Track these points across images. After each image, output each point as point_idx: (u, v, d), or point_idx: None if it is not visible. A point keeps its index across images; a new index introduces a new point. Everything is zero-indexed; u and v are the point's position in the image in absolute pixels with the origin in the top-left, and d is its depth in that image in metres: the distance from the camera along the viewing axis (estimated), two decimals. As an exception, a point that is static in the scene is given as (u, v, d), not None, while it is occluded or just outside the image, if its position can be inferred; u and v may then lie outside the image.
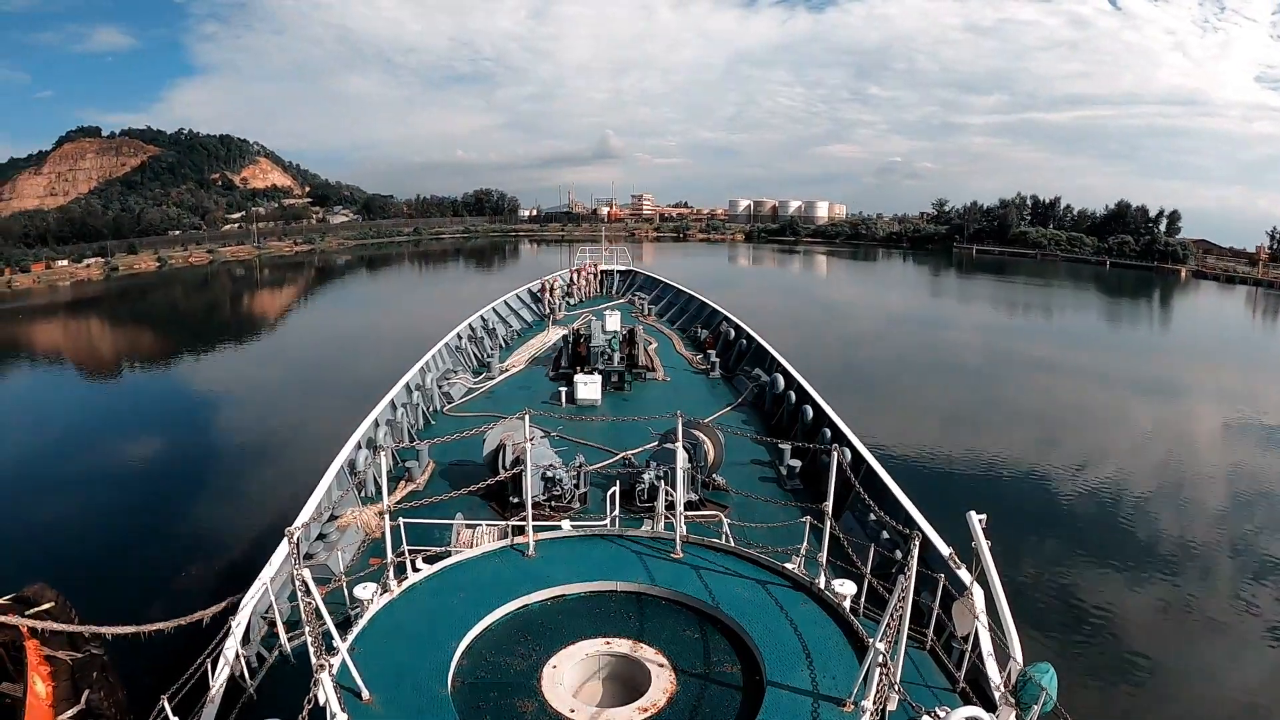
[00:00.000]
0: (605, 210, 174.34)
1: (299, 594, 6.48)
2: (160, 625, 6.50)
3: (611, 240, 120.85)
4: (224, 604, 8.02)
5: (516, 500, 12.78)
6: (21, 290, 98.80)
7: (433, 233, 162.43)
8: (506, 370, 23.63)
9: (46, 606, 5.98)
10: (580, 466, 13.75)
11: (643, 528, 10.53)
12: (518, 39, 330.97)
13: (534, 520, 9.67)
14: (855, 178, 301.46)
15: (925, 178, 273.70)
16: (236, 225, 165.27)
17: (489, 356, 25.55)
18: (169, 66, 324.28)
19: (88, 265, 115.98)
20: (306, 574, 6.53)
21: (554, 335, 27.51)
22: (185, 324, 65.26)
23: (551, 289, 35.35)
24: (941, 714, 5.60)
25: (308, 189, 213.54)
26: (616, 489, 12.54)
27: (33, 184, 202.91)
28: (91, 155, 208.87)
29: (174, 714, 6.26)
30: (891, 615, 6.02)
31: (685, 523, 9.92)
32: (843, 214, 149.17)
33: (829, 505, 9.59)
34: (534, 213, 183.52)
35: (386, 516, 9.24)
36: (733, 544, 9.98)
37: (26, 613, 5.88)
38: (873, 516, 12.30)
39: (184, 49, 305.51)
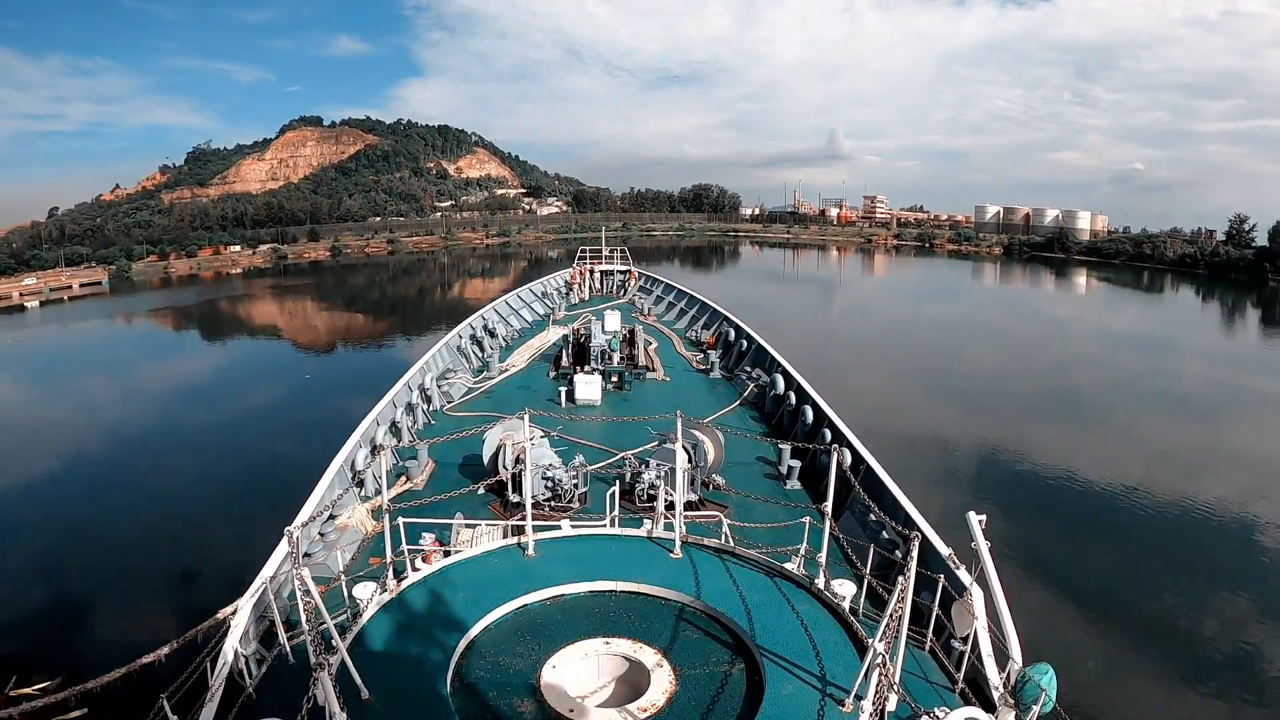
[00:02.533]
0: (834, 212, 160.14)
1: (299, 594, 6.48)
2: (144, 659, 6.42)
3: (842, 249, 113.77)
4: (224, 603, 8.02)
5: (516, 500, 12.77)
6: (183, 275, 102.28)
7: (644, 228, 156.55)
8: (507, 370, 23.62)
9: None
10: (580, 466, 13.74)
11: (643, 528, 10.53)
12: (726, 42, 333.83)
13: (534, 520, 9.67)
14: (1088, 187, 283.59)
15: (1167, 188, 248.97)
16: (442, 215, 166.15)
17: (489, 356, 25.54)
18: (398, 69, 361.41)
19: (253, 253, 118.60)
20: (306, 573, 6.53)
21: (554, 335, 27.50)
22: (261, 317, 65.36)
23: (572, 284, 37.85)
24: (941, 714, 5.61)
25: (522, 180, 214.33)
26: (616, 489, 12.53)
27: (255, 169, 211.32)
28: (312, 143, 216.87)
29: (174, 714, 6.25)
30: (891, 615, 6.02)
31: (685, 523, 9.91)
32: (1104, 227, 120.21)
33: (829, 505, 9.58)
34: (756, 211, 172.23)
35: (386, 516, 9.23)
36: (733, 544, 9.98)
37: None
38: (872, 517, 12.29)
39: (412, 54, 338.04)
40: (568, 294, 37.79)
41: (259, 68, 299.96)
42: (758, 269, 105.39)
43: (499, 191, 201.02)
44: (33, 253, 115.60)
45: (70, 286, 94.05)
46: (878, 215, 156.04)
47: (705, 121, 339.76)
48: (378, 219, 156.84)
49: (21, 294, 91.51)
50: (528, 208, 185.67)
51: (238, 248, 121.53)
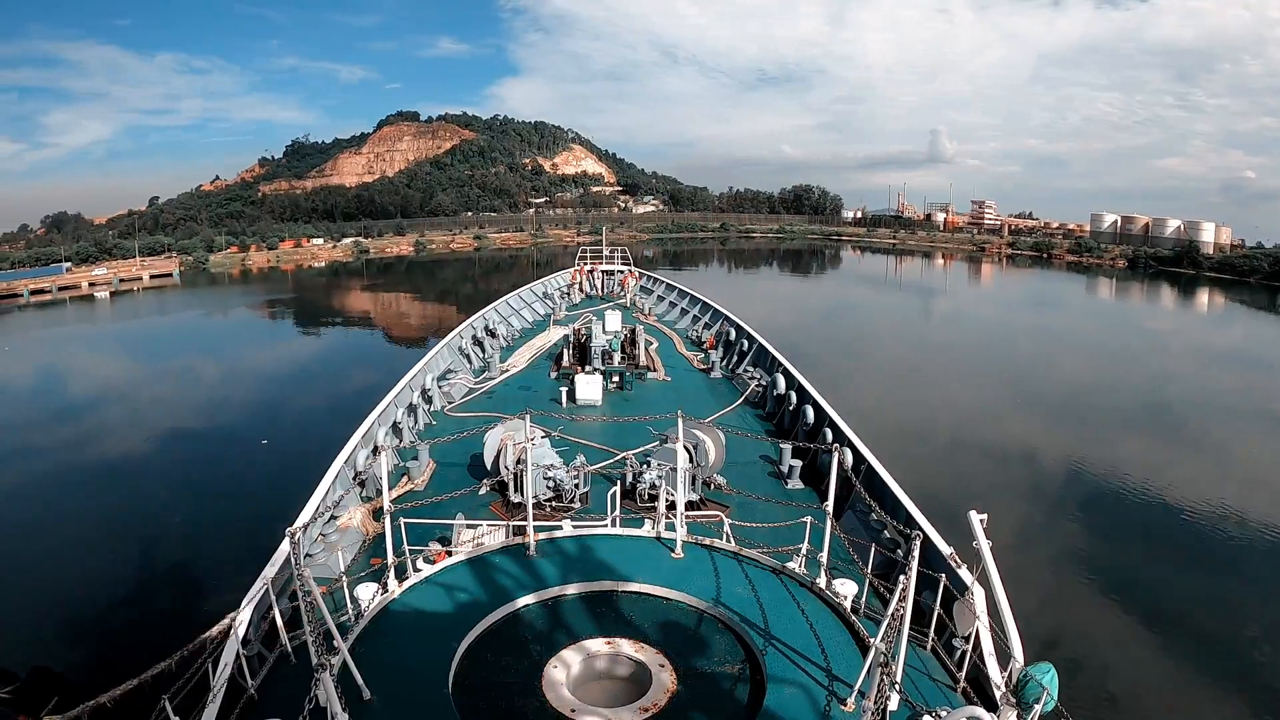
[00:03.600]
0: (941, 217, 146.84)
1: (299, 594, 6.48)
2: (146, 660, 6.43)
3: (948, 257, 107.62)
4: (225, 604, 8.03)
5: (518, 500, 12.78)
6: (261, 267, 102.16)
7: (743, 229, 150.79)
8: (508, 370, 23.62)
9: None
10: (581, 466, 13.73)
11: (643, 528, 10.53)
12: (818, 44, 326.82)
13: (535, 520, 9.67)
14: (1194, 194, 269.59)
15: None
16: (535, 211, 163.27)
17: (490, 357, 25.55)
18: (495, 68, 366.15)
19: (334, 246, 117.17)
20: (307, 574, 6.53)
21: (555, 335, 27.51)
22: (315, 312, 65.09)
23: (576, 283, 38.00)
24: (943, 713, 5.60)
25: (618, 177, 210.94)
26: (617, 489, 12.52)
27: (352, 162, 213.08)
28: (408, 137, 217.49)
29: (176, 715, 6.26)
30: (893, 615, 6.02)
31: (686, 523, 9.91)
32: (1229, 240, 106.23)
33: (830, 505, 9.58)
34: (858, 215, 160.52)
35: (387, 516, 9.24)
36: (733, 544, 9.98)
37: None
38: (874, 516, 12.28)
39: (509, 54, 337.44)
40: (568, 294, 37.83)
41: (362, 67, 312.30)
42: (863, 274, 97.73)
43: (594, 188, 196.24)
44: (116, 242, 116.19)
45: (141, 278, 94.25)
46: (986, 221, 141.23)
47: (801, 123, 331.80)
48: (469, 214, 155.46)
49: (91, 284, 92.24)
50: (623, 205, 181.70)
51: (320, 240, 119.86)
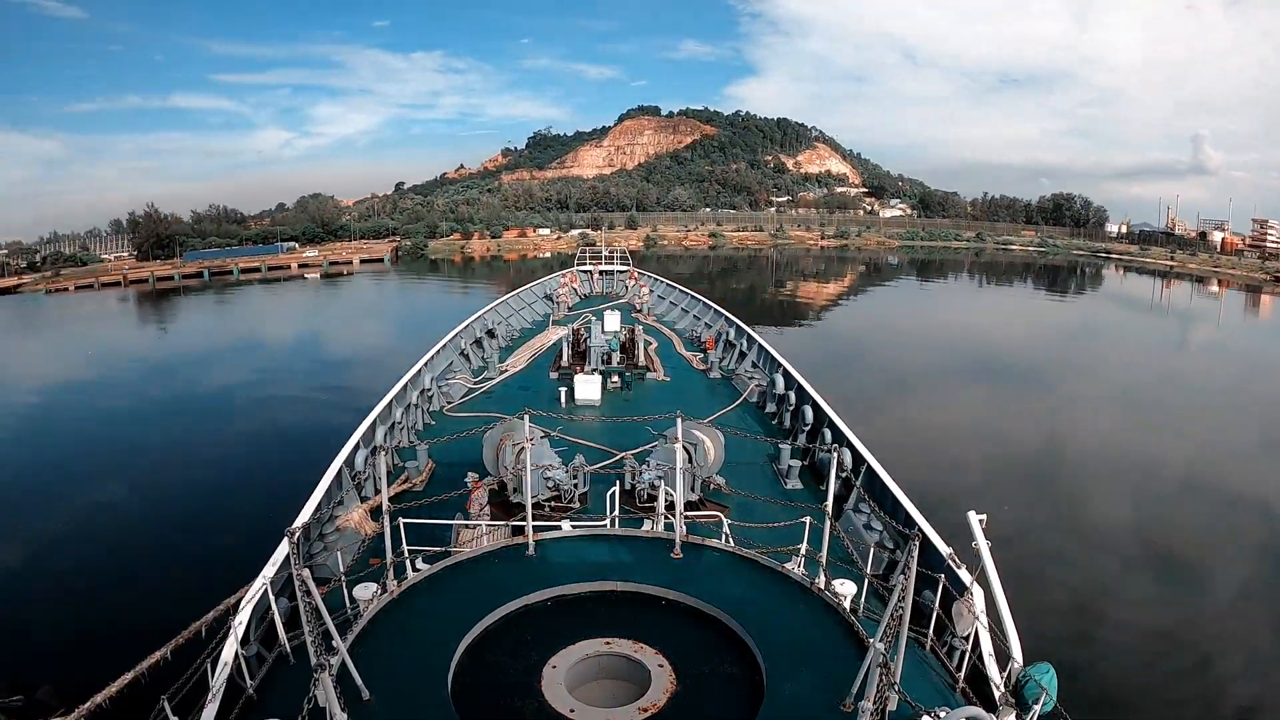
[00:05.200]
0: (1218, 236, 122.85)
1: (299, 594, 6.47)
2: (145, 660, 6.42)
3: (1223, 284, 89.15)
4: (224, 604, 8.01)
5: (517, 500, 12.77)
6: (483, 256, 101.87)
7: (1000, 241, 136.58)
8: (506, 370, 23.62)
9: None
10: (580, 466, 13.73)
11: (643, 528, 10.52)
12: (1062, 45, 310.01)
13: (534, 520, 9.66)
14: None
15: None
16: (776, 210, 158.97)
17: (489, 357, 25.54)
18: (735, 69, 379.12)
19: (558, 238, 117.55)
20: (306, 574, 6.52)
21: (554, 335, 27.50)
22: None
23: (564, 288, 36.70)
24: (942, 714, 5.60)
25: (863, 179, 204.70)
26: (616, 489, 12.52)
27: (592, 155, 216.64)
28: (649, 132, 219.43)
29: (174, 714, 6.25)
30: (891, 615, 6.02)
31: (685, 523, 9.91)
32: None
33: (829, 505, 9.58)
34: (1122, 229, 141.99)
35: (386, 516, 9.23)
36: (733, 544, 9.97)
37: None
38: (873, 516, 12.30)
39: (748, 55, 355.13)
40: (558, 302, 37.82)
41: (608, 67, 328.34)
42: (1136, 300, 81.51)
43: (838, 189, 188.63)
44: (341, 224, 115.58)
45: (350, 262, 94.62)
46: (1269, 243, 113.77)
47: (1047, 127, 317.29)
48: (707, 210, 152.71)
49: (301, 265, 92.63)
50: (869, 208, 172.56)
51: (546, 231, 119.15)
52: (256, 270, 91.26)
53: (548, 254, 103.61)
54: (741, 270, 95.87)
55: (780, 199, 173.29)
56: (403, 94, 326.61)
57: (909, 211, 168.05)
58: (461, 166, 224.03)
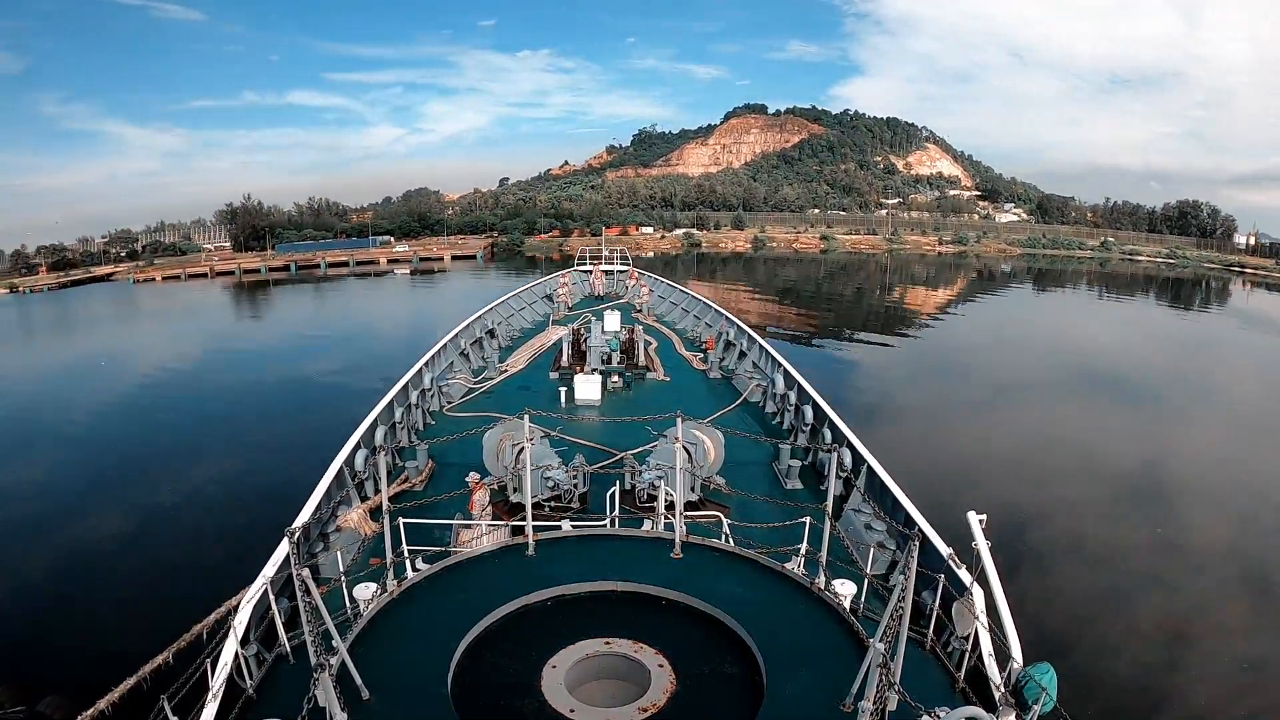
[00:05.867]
0: None
1: (299, 594, 6.47)
2: (145, 660, 6.42)
3: None
4: (224, 604, 8.02)
5: (517, 500, 12.77)
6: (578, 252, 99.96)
7: (1126, 251, 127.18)
8: (506, 370, 23.62)
9: None
10: (580, 467, 13.74)
11: (643, 528, 10.52)
12: (1172, 44, 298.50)
13: (534, 520, 9.67)
14: None
15: None
16: (887, 212, 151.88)
17: (489, 356, 25.55)
18: (841, 68, 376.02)
19: (662, 236, 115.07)
20: (306, 574, 6.52)
21: (554, 335, 27.50)
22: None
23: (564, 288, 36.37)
24: (942, 714, 5.60)
25: (976, 181, 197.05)
26: (616, 489, 12.52)
27: (697, 153, 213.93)
28: (755, 130, 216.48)
29: (174, 714, 6.26)
30: (891, 615, 6.02)
31: (685, 523, 9.91)
32: None
33: (829, 505, 9.58)
34: (1251, 240, 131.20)
35: (386, 516, 9.23)
36: (733, 544, 9.97)
37: None
38: (873, 516, 12.30)
39: (853, 55, 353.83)
40: (557, 303, 37.79)
41: (712, 66, 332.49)
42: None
43: (951, 192, 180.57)
44: (437, 218, 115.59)
45: (442, 258, 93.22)
46: None
47: (1159, 130, 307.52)
48: (815, 211, 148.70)
49: (391, 260, 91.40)
50: (983, 213, 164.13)
51: (649, 229, 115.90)
52: (344, 265, 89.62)
53: (650, 254, 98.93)
54: (849, 274, 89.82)
55: (891, 201, 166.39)
56: (511, 92, 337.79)
57: (1025, 217, 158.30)
58: (566, 163, 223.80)
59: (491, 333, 27.62)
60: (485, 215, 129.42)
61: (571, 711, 6.78)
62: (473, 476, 11.91)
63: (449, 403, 20.41)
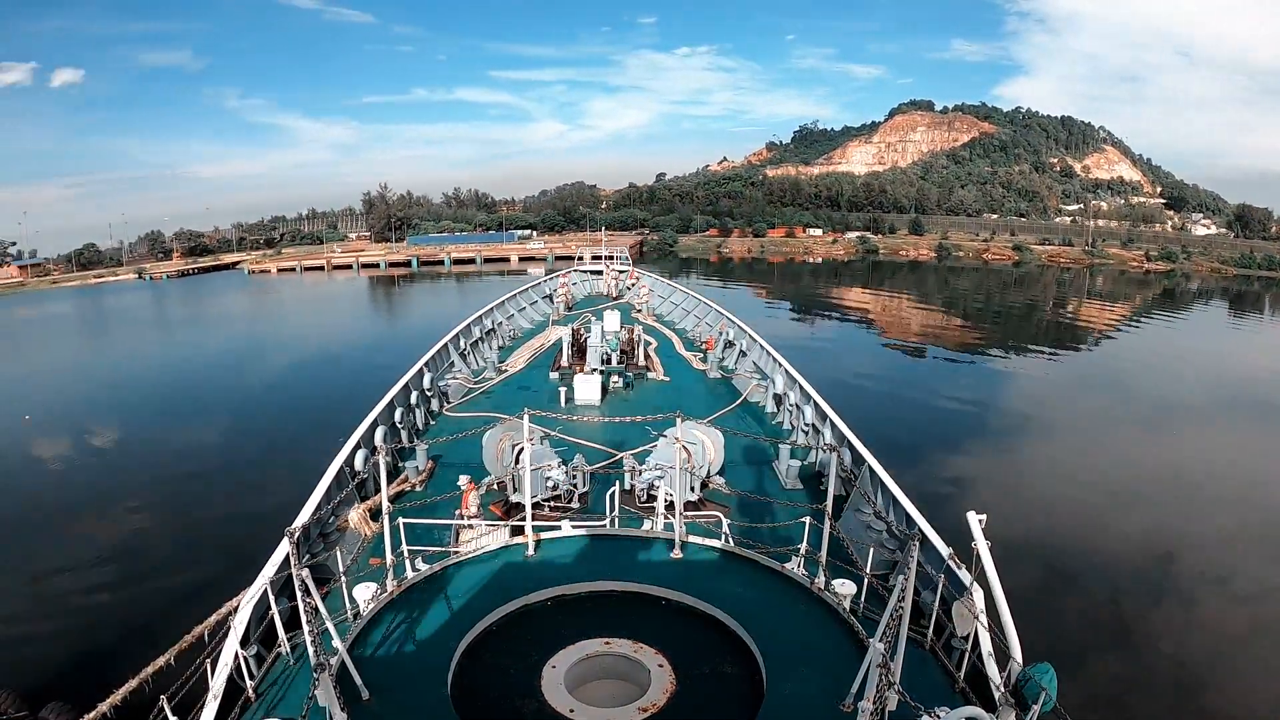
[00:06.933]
0: None
1: (299, 594, 6.47)
2: (145, 660, 6.41)
3: None
4: (224, 604, 8.02)
5: (516, 500, 12.76)
6: (742, 256, 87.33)
7: None
8: (506, 370, 23.61)
9: None
10: (580, 466, 13.73)
11: (643, 528, 10.52)
12: None
13: (534, 520, 9.66)
14: None
15: None
16: (1070, 219, 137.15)
17: (489, 356, 25.53)
18: (1001, 69, 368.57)
19: (834, 241, 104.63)
20: (306, 574, 6.52)
21: (554, 335, 27.48)
22: None
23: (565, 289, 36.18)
24: (941, 714, 5.59)
25: (1159, 189, 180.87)
26: (616, 489, 12.51)
27: (861, 151, 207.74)
28: (922, 128, 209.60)
29: (174, 714, 6.26)
30: (891, 615, 6.01)
31: (685, 523, 9.91)
32: None
33: (829, 505, 9.57)
34: None
35: (386, 516, 9.23)
36: (732, 544, 9.97)
37: None
38: (873, 516, 12.29)
39: (1014, 54, 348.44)
40: (556, 305, 37.72)
41: (872, 66, 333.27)
42: None
43: (1134, 199, 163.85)
44: (583, 213, 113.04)
45: (582, 256, 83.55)
46: None
47: None
48: (994, 216, 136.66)
49: (522, 258, 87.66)
50: (1174, 223, 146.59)
51: (818, 231, 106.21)
52: (470, 262, 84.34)
53: (818, 259, 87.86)
54: (1076, 297, 73.74)
55: (1070, 207, 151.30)
56: (673, 90, 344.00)
57: (1221, 230, 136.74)
58: (724, 159, 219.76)
59: (491, 333, 27.61)
60: (637, 211, 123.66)
61: (571, 711, 6.78)
62: (464, 479, 11.74)
63: (449, 403, 20.40)
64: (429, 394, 19.61)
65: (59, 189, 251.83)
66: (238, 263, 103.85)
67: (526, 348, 26.32)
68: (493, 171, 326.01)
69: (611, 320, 25.99)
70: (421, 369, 20.17)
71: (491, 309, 30.75)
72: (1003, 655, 7.80)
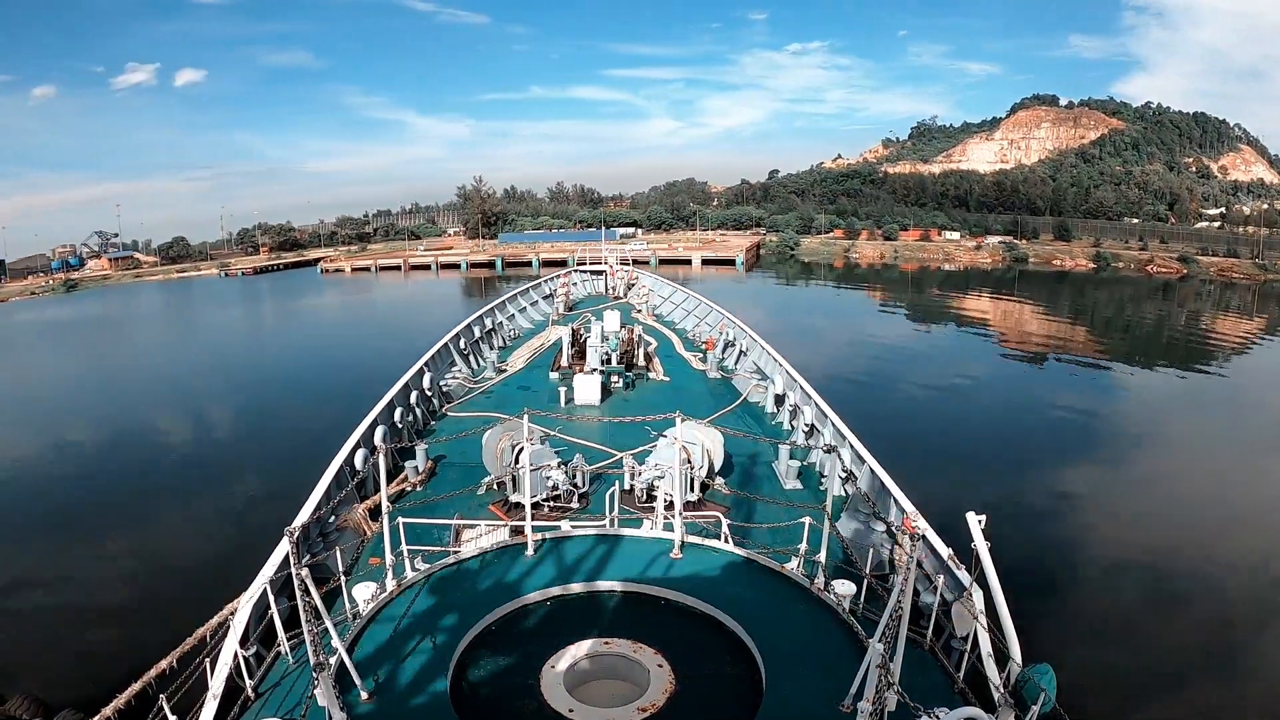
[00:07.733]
0: None
1: (299, 594, 6.47)
2: (144, 660, 6.42)
3: None
4: (224, 605, 8.02)
5: (516, 500, 12.77)
6: (872, 262, 77.52)
7: None
8: (506, 370, 23.62)
9: None
10: (579, 466, 13.74)
11: (642, 528, 10.52)
12: None
13: (533, 520, 9.67)
14: None
15: None
16: (1215, 224, 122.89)
17: (489, 356, 25.55)
18: (1120, 65, 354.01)
19: (976, 246, 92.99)
20: (306, 574, 6.52)
21: (554, 335, 27.49)
22: None
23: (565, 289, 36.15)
24: (941, 714, 5.60)
25: None
26: (616, 489, 12.52)
27: (982, 148, 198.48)
28: (1046, 124, 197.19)
29: (174, 714, 6.26)
30: (890, 616, 6.02)
31: (685, 523, 9.91)
32: None
33: (828, 505, 9.58)
34: None
35: (386, 516, 9.23)
36: (732, 544, 9.98)
37: None
38: (873, 517, 12.30)
39: (1133, 50, 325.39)
40: (557, 304, 37.76)
41: (987, 64, 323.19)
42: None
43: (1278, 203, 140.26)
44: (693, 210, 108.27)
45: (689, 260, 77.64)
46: None
47: None
48: (1135, 220, 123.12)
49: (621, 261, 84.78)
50: None
51: (956, 235, 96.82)
52: (562, 264, 78.94)
53: (959, 266, 75.53)
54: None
55: (1211, 212, 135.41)
56: (787, 88, 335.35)
57: None
58: (839, 156, 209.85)
59: (492, 333, 27.62)
60: (751, 209, 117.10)
61: (571, 711, 6.78)
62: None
63: (449, 402, 20.41)
64: (429, 393, 19.62)
65: (178, 182, 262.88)
66: (319, 259, 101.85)
67: (526, 348, 26.33)
68: (605, 169, 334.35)
69: (611, 320, 25.99)
70: (422, 369, 20.18)
71: (491, 309, 30.77)
72: (1002, 656, 7.81)
